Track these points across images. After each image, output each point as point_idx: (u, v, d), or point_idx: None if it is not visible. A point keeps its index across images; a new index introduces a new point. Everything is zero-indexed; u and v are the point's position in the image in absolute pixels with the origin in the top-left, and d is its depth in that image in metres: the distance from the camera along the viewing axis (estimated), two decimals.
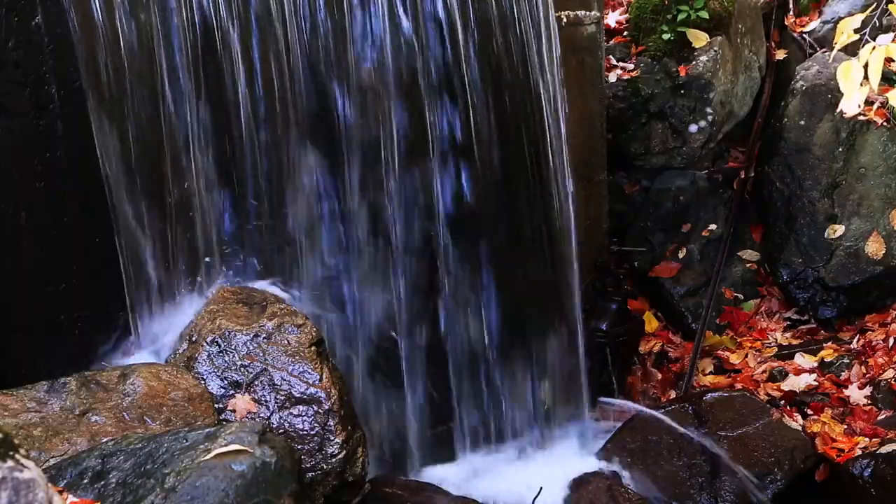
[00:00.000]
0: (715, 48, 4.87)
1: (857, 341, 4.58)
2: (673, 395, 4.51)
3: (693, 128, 4.91)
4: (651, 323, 4.79)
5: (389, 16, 3.31)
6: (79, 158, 2.83)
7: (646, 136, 4.93)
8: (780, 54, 5.28)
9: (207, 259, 3.12)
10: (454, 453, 3.82)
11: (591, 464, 3.81)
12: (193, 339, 2.87)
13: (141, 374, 2.69)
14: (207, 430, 2.19)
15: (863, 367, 4.40)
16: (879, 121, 4.68)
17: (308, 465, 2.66)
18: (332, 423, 2.74)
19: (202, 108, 3.02)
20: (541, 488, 3.50)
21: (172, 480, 2.00)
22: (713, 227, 4.98)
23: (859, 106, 2.59)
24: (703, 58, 4.87)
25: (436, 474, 3.67)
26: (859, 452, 3.79)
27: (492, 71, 3.58)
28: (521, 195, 3.81)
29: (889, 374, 4.28)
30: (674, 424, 3.88)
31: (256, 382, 2.77)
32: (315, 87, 3.24)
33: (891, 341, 4.48)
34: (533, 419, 3.99)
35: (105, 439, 2.40)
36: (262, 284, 3.16)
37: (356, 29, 3.27)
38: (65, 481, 2.15)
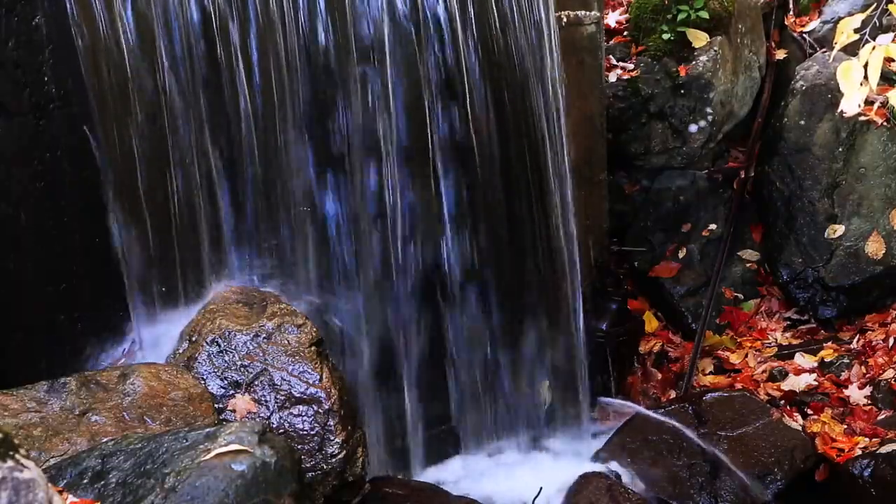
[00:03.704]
0: (715, 48, 4.87)
1: (857, 341, 4.58)
2: (673, 395, 4.51)
3: (693, 128, 4.92)
4: (651, 323, 4.79)
5: (390, 16, 3.31)
6: (79, 158, 2.83)
7: (646, 136, 4.93)
8: (780, 54, 5.28)
9: (208, 258, 3.12)
10: (454, 453, 3.82)
11: (591, 464, 3.81)
12: (193, 338, 2.87)
13: (141, 374, 2.68)
14: (207, 429, 2.19)
15: (863, 367, 4.40)
16: (879, 121, 4.68)
17: (308, 465, 2.66)
18: (332, 423, 2.73)
19: (203, 106, 3.02)
20: (541, 488, 3.50)
21: (172, 480, 2.00)
22: (713, 227, 4.98)
23: (859, 106, 2.60)
24: (703, 58, 4.87)
25: (436, 474, 3.67)
26: (859, 452, 3.79)
27: (492, 71, 3.58)
28: (522, 195, 3.81)
29: (889, 374, 4.28)
30: (674, 424, 3.88)
31: (256, 382, 2.77)
32: (315, 88, 3.25)
33: (891, 341, 4.48)
34: (533, 419, 4.00)
35: (105, 439, 2.40)
36: (262, 284, 3.17)
37: (356, 29, 3.27)
38: (65, 481, 2.15)
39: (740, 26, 5.02)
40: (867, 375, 4.35)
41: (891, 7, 3.05)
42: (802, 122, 4.88)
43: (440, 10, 3.40)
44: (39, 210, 2.78)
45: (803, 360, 4.53)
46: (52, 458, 2.36)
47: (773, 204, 4.95)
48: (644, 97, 4.87)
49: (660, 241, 4.95)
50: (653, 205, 4.98)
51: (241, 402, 2.74)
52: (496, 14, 3.55)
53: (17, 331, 2.80)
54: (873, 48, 2.56)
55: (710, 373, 4.62)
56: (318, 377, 2.78)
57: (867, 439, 3.92)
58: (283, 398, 2.75)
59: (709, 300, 4.78)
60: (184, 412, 2.61)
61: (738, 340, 4.77)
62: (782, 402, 4.31)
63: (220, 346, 2.82)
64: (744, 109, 5.14)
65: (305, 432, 2.72)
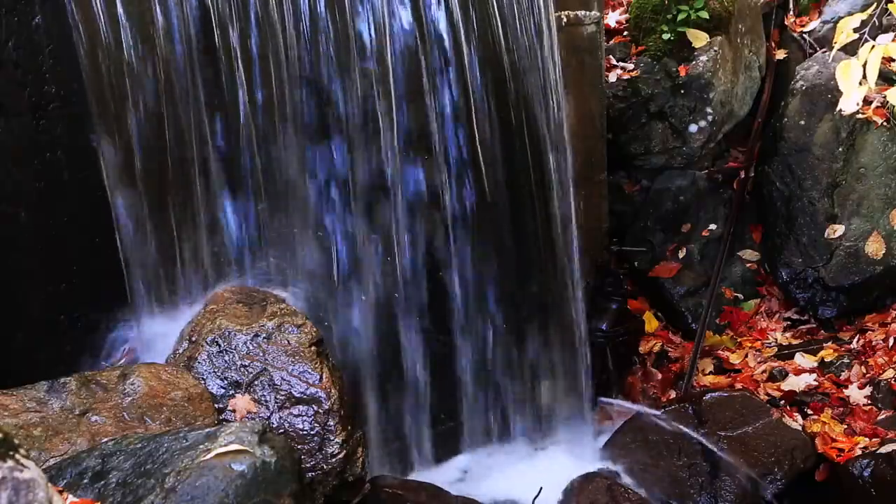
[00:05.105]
0: (715, 48, 4.87)
1: (857, 341, 4.58)
2: (673, 395, 4.51)
3: (693, 128, 4.91)
4: (651, 323, 4.79)
5: (390, 16, 3.31)
6: (79, 158, 2.83)
7: (646, 136, 4.93)
8: (780, 54, 5.28)
9: (208, 258, 3.12)
10: (455, 453, 3.82)
11: (591, 464, 3.81)
12: (193, 338, 2.87)
13: (141, 374, 2.69)
14: (207, 429, 2.19)
15: (863, 367, 4.40)
16: (879, 120, 4.68)
17: (308, 465, 2.66)
18: (332, 423, 2.74)
19: (203, 105, 3.03)
20: (541, 488, 3.51)
21: (172, 480, 2.00)
22: (713, 227, 4.99)
23: (858, 104, 2.60)
24: (703, 58, 4.87)
25: (436, 474, 3.67)
26: (859, 452, 3.79)
27: (493, 71, 3.58)
28: (523, 195, 3.82)
29: (889, 374, 4.28)
30: (674, 424, 3.88)
31: (256, 382, 2.77)
32: (316, 89, 3.25)
33: (891, 341, 4.47)
34: (534, 419, 4.00)
35: (105, 439, 2.40)
36: (262, 284, 3.17)
37: (357, 28, 3.27)
38: (65, 481, 2.15)
39: (740, 26, 5.03)
40: (867, 375, 4.35)
41: (891, 7, 3.05)
42: (802, 122, 4.88)
43: (441, 10, 3.40)
44: (39, 210, 2.79)
45: (803, 360, 4.53)
46: (52, 457, 2.36)
47: (773, 204, 4.95)
48: (644, 97, 4.87)
49: (660, 241, 4.95)
50: (653, 205, 4.98)
51: (241, 402, 2.75)
52: (497, 15, 3.55)
53: (18, 331, 2.80)
54: (872, 47, 2.57)
55: (710, 373, 4.62)
56: (318, 377, 2.78)
57: (867, 439, 3.92)
58: (283, 398, 2.75)
59: (709, 300, 4.78)
60: (184, 412, 2.61)
61: (738, 340, 4.77)
62: (782, 402, 4.31)
63: (220, 346, 2.82)
64: (744, 109, 5.15)
65: (305, 432, 2.72)
